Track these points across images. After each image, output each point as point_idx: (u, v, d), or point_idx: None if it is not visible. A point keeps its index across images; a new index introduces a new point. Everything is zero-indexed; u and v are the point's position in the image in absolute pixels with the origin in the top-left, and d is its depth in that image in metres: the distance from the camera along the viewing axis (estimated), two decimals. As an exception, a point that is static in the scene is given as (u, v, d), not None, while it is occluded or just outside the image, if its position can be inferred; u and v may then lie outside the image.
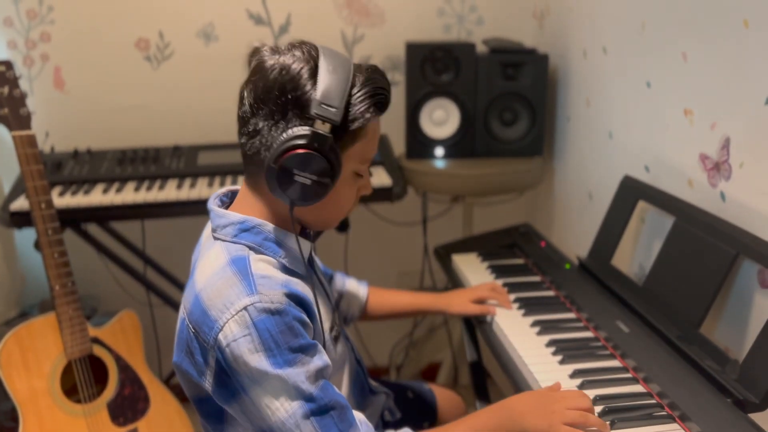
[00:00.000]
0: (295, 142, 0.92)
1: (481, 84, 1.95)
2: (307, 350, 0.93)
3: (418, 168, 1.96)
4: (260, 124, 0.95)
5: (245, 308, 0.91)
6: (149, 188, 1.84)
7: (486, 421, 1.02)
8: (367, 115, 0.97)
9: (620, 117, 1.66)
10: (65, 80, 2.08)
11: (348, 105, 0.95)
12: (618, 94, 1.66)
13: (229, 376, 0.92)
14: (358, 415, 0.98)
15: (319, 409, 0.92)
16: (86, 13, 2.03)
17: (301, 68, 0.94)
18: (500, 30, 2.20)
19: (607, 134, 1.73)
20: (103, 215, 1.80)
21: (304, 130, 0.92)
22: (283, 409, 0.91)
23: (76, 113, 2.10)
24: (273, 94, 0.94)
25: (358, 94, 0.96)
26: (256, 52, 1.00)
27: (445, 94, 1.96)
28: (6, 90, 1.56)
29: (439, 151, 2.00)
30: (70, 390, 1.65)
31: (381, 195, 1.88)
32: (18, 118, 1.57)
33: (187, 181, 1.89)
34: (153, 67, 2.11)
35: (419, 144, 1.99)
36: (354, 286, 1.43)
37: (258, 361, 0.90)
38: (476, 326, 1.44)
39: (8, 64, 1.57)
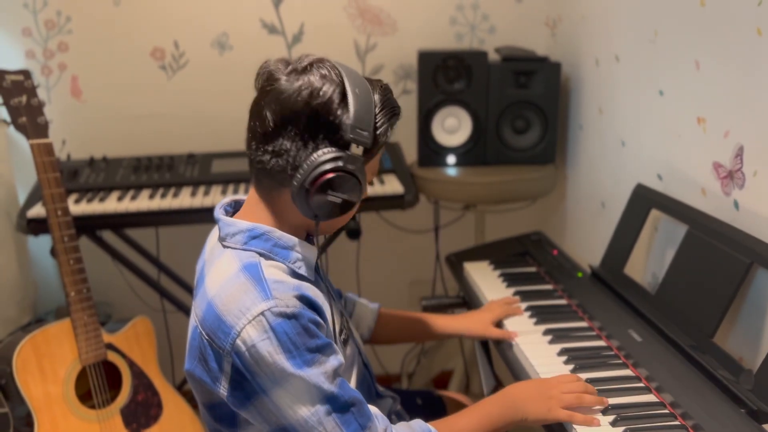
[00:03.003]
0: (331, 165, 0.96)
1: (493, 92, 1.96)
2: (323, 350, 0.96)
3: (430, 176, 1.97)
4: (287, 145, 0.98)
5: (262, 313, 0.93)
6: (164, 196, 1.86)
7: (490, 409, 1.10)
8: (388, 134, 1.03)
9: (633, 125, 1.65)
10: (82, 89, 2.11)
11: (375, 128, 1.00)
12: (630, 102, 1.66)
13: (248, 379, 0.94)
14: (374, 409, 1.01)
15: (340, 406, 0.95)
16: (103, 23, 2.06)
17: (332, 92, 0.97)
18: (512, 38, 2.21)
19: (619, 142, 1.72)
20: (118, 222, 1.83)
21: (338, 152, 0.96)
22: (305, 408, 0.94)
23: (93, 121, 2.13)
24: (303, 116, 0.96)
25: (380, 116, 1.01)
26: (268, 71, 1.00)
27: (458, 102, 1.96)
28: (24, 99, 1.59)
29: (451, 159, 2.00)
30: (84, 395, 1.67)
31: (393, 203, 1.89)
32: (36, 126, 1.59)
33: (201, 189, 1.90)
34: (168, 76, 2.13)
35: (431, 152, 2.00)
36: (364, 306, 1.42)
37: (279, 362, 0.92)
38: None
39: (26, 74, 1.60)
